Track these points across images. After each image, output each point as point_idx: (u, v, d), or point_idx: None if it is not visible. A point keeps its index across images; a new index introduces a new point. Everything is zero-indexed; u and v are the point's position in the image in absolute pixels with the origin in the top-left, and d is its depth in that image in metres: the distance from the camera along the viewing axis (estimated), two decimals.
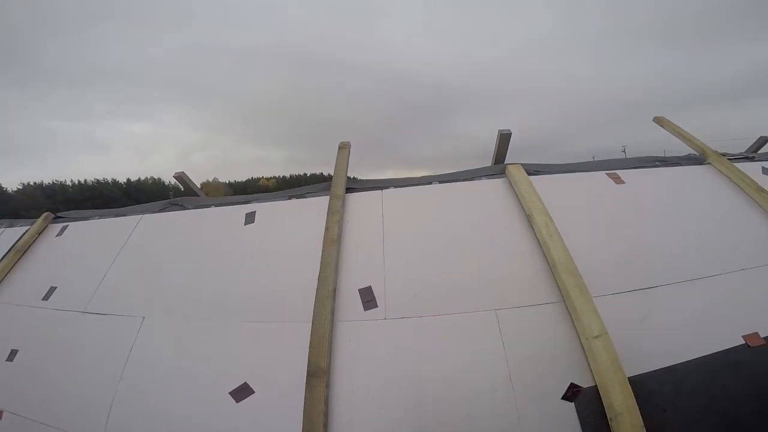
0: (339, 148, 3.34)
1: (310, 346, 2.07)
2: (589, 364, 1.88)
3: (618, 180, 2.89)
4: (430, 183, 3.02)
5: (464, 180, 3.02)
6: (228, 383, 2.12)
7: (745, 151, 3.76)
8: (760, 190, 2.72)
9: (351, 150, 3.38)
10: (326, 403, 1.91)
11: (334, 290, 2.28)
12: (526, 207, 2.57)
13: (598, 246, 2.39)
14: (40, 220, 3.93)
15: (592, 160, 3.63)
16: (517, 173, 2.86)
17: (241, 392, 2.08)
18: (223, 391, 2.10)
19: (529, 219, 2.52)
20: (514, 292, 2.19)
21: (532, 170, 2.97)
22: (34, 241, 3.75)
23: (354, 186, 3.03)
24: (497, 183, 2.92)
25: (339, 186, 2.91)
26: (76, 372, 2.55)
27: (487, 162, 3.39)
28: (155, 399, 2.23)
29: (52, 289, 3.12)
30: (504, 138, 3.30)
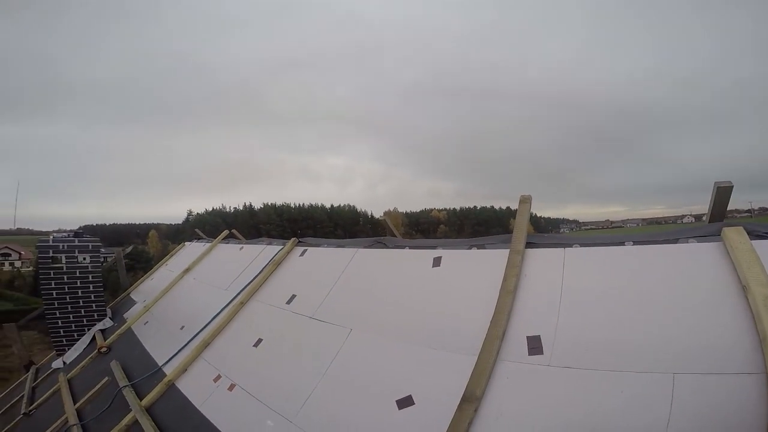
0: (520, 202, 3.26)
1: (471, 375, 2.29)
2: None
3: None
4: (623, 243, 2.75)
5: (665, 242, 2.64)
6: (397, 392, 2.52)
7: None
8: None
9: (528, 192, 3.31)
10: (470, 425, 2.09)
11: (504, 333, 2.45)
12: (743, 276, 2.16)
13: None
14: (289, 243, 5.31)
15: None
16: (736, 237, 2.39)
17: (405, 402, 2.44)
18: (392, 398, 2.51)
19: (744, 290, 2.12)
20: (702, 358, 1.92)
21: (761, 232, 2.42)
22: (284, 258, 5.10)
23: (534, 241, 3.01)
24: (709, 247, 2.49)
25: (519, 241, 2.96)
26: (295, 363, 3.29)
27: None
28: (342, 393, 2.77)
29: (293, 297, 4.16)
30: (722, 192, 2.76)
